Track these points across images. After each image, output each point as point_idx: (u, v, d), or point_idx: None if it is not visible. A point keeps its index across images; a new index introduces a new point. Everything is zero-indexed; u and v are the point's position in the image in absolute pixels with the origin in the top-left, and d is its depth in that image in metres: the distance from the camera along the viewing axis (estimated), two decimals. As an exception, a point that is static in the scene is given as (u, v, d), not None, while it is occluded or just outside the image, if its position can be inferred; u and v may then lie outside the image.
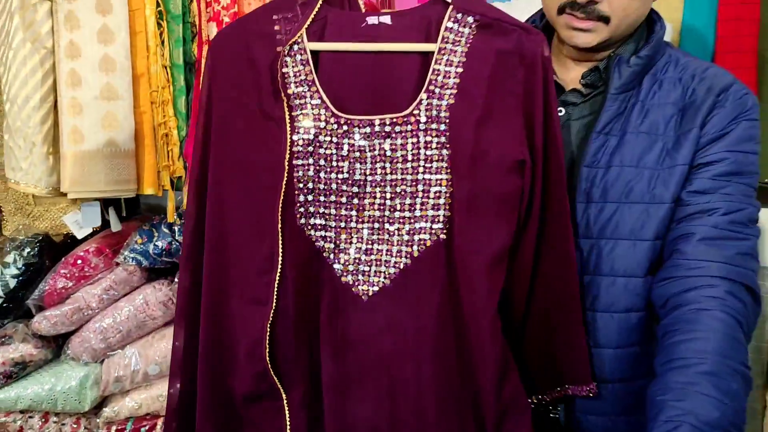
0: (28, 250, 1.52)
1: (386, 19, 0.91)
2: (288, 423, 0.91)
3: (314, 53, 0.89)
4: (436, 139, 0.87)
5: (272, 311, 0.89)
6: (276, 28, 0.90)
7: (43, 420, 1.51)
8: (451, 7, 0.88)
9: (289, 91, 0.88)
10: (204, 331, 0.92)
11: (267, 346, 0.89)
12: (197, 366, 0.94)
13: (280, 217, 0.88)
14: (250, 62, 0.90)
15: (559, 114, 0.97)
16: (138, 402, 1.49)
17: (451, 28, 0.88)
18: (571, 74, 1.02)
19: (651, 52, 0.96)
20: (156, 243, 1.50)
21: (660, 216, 0.92)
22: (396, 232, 0.89)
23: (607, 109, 0.96)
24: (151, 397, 1.49)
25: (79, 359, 1.49)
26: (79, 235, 1.52)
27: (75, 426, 1.51)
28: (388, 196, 0.89)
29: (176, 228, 1.51)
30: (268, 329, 0.89)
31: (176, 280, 1.53)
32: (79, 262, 1.49)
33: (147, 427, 1.49)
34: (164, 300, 1.50)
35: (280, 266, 0.89)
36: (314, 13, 0.89)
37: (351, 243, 0.90)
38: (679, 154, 0.92)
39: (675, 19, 1.58)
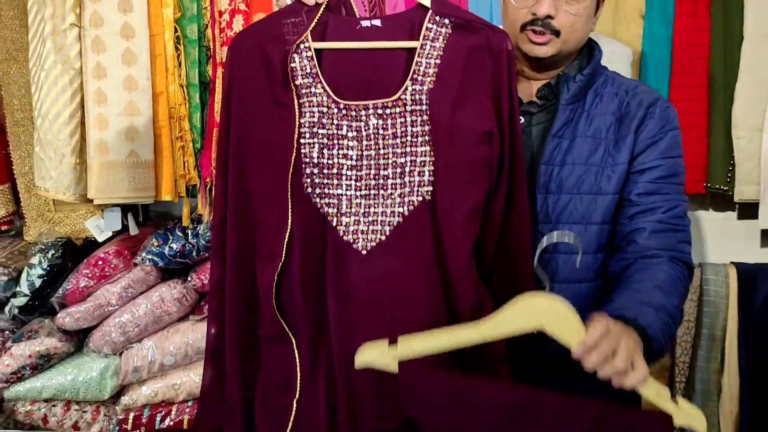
0: (52, 252, 1.65)
1: (377, 23, 1.08)
2: (298, 363, 1.06)
3: (317, 51, 1.06)
4: (419, 118, 1.04)
5: (280, 264, 1.04)
6: (285, 30, 1.06)
7: (65, 408, 1.64)
8: (430, 11, 1.05)
9: (297, 82, 1.05)
10: (230, 282, 1.07)
11: (274, 293, 1.04)
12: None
13: (290, 187, 1.04)
14: (264, 58, 1.06)
15: (521, 121, 1.16)
16: (154, 390, 1.63)
17: (431, 28, 1.05)
18: (528, 89, 1.22)
19: (591, 70, 1.17)
20: (171, 245, 1.64)
21: (605, 204, 1.13)
22: (389, 196, 1.05)
23: (559, 117, 1.15)
24: (167, 385, 1.63)
25: (100, 351, 1.62)
26: (100, 239, 1.67)
27: (95, 413, 1.64)
28: (381, 167, 1.05)
29: (189, 232, 1.66)
30: (276, 278, 1.04)
31: (189, 278, 1.67)
32: (100, 262, 1.63)
33: (162, 413, 1.63)
34: (178, 297, 1.64)
35: (289, 227, 1.04)
36: (317, 17, 1.06)
37: (351, 208, 1.05)
38: (620, 156, 1.13)
39: (636, 45, 1.77)
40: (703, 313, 1.83)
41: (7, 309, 1.64)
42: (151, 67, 1.53)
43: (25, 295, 1.63)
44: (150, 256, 1.64)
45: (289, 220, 1.04)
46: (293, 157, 1.04)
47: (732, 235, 1.95)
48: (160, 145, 1.56)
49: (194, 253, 1.66)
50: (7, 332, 1.66)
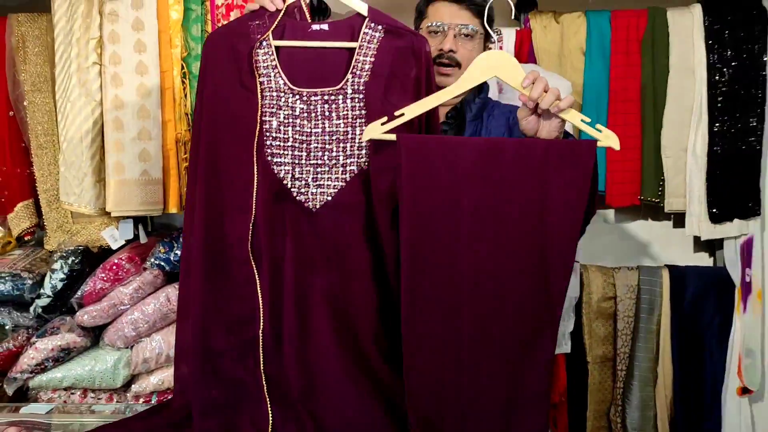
0: (72, 258, 1.87)
1: (324, 27, 1.35)
2: (260, 299, 1.29)
3: (277, 47, 1.32)
4: (358, 104, 1.30)
5: (253, 216, 1.28)
6: (251, 29, 1.33)
7: (83, 396, 1.85)
8: (367, 18, 1.33)
9: (260, 72, 1.30)
10: (204, 230, 1.31)
11: (249, 239, 1.28)
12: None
13: (255, 154, 1.29)
14: (233, 52, 1.32)
15: None
16: (161, 379, 1.84)
17: (367, 32, 1.32)
18: (439, 113, 1.50)
19: (484, 96, 1.51)
20: (175, 252, 1.87)
21: None
22: (333, 165, 1.30)
23: (467, 131, 1.47)
24: (172, 375, 1.84)
25: (114, 345, 1.83)
26: (114, 247, 1.89)
27: (108, 400, 1.86)
28: (327, 142, 1.30)
29: (192, 240, 1.90)
30: (251, 228, 1.28)
31: (192, 281, 1.90)
32: (114, 267, 1.85)
33: (168, 399, 1.84)
34: (183, 297, 1.87)
35: (255, 187, 1.29)
36: (277, 21, 1.32)
37: (302, 174, 1.30)
38: None
39: (579, 77, 2.04)
40: (641, 309, 2.07)
41: (31, 309, 1.85)
42: (161, 99, 1.77)
43: (48, 297, 1.84)
44: (157, 262, 1.86)
45: (255, 182, 1.29)
46: (257, 131, 1.29)
47: (666, 241, 2.21)
48: (167, 165, 1.79)
49: (196, 259, 1.89)
50: (31, 329, 1.88)
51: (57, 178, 1.90)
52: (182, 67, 1.78)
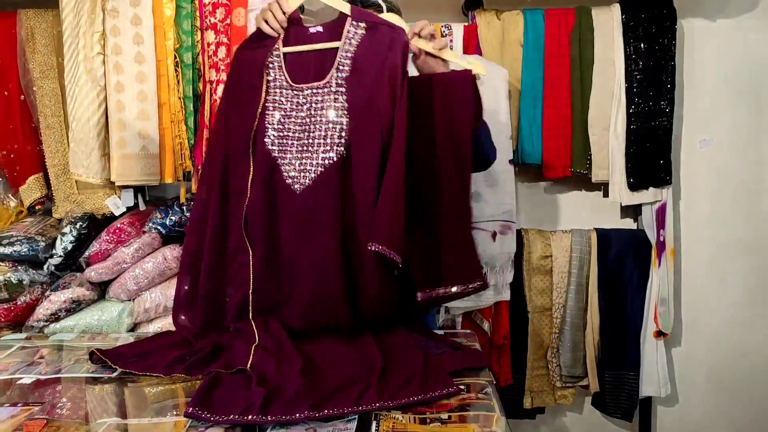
0: (80, 223, 2.13)
1: (319, 29, 1.54)
2: (252, 266, 1.49)
3: (284, 53, 1.52)
4: (340, 97, 1.46)
5: (248, 199, 1.49)
6: (266, 41, 1.54)
7: (91, 340, 2.12)
8: (349, 18, 1.51)
9: (269, 73, 1.51)
10: (216, 211, 1.53)
11: (244, 218, 1.49)
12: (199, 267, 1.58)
13: (251, 144, 1.49)
14: (252, 60, 1.53)
15: None
16: (160, 327, 2.08)
17: (350, 30, 1.50)
18: None
19: None
20: (170, 218, 2.12)
21: None
22: (316, 152, 1.46)
23: None
24: (169, 323, 2.06)
25: (118, 298, 2.08)
26: (117, 213, 2.15)
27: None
28: (315, 130, 1.46)
29: (184, 207, 2.16)
30: (246, 209, 1.49)
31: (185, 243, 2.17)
32: (117, 231, 2.09)
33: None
34: (177, 256, 2.09)
35: (252, 171, 1.48)
36: (284, 32, 1.53)
37: (293, 159, 1.47)
38: None
39: (517, 66, 2.31)
40: (572, 266, 2.36)
41: (45, 267, 2.09)
42: (157, 84, 2.02)
43: (60, 256, 2.08)
44: (155, 226, 2.11)
45: (251, 167, 1.49)
46: (256, 124, 1.50)
47: (594, 207, 2.50)
48: (163, 141, 2.05)
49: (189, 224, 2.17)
50: (45, 284, 2.11)
51: (64, 154, 2.16)
52: (175, 57, 2.04)
